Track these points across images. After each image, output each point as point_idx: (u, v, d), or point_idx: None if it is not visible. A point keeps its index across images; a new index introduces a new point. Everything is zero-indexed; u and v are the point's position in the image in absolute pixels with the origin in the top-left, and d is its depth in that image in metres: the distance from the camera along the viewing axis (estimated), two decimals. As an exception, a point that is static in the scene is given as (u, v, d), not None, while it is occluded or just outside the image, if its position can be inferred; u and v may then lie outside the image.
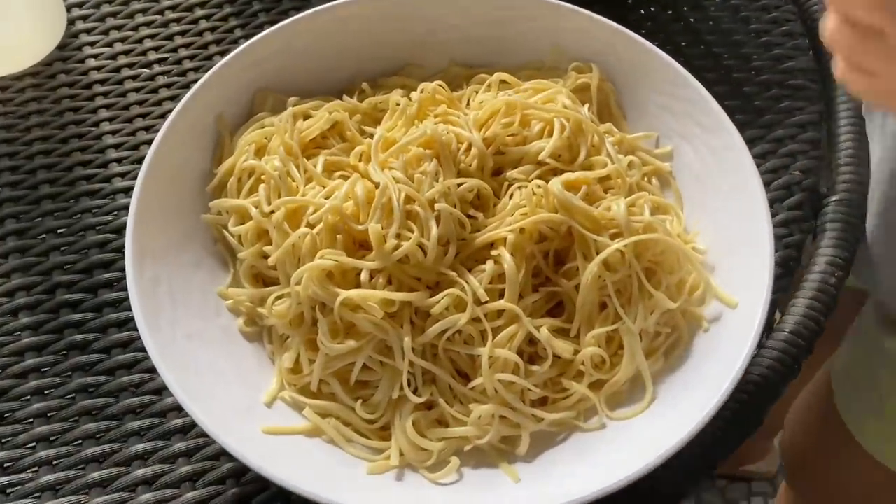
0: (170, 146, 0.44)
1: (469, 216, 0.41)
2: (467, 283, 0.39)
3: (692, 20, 0.58)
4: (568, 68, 0.49)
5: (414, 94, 0.45)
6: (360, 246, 0.41)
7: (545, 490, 0.36)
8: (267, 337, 0.42)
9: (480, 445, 0.38)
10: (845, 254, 0.47)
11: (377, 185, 0.41)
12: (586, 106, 0.46)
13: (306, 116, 0.46)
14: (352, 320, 0.38)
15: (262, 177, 0.43)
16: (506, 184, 0.43)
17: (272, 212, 0.42)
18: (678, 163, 0.47)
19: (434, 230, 0.39)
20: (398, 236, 0.39)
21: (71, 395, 0.44)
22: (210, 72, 0.46)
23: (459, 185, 0.41)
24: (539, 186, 0.41)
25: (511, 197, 0.42)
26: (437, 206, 0.39)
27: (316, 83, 0.49)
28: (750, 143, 0.46)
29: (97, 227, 0.49)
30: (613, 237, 0.40)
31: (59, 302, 0.46)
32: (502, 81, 0.47)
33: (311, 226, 0.40)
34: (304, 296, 0.39)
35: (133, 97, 0.55)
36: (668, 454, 0.35)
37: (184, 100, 0.45)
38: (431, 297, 0.39)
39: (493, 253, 0.40)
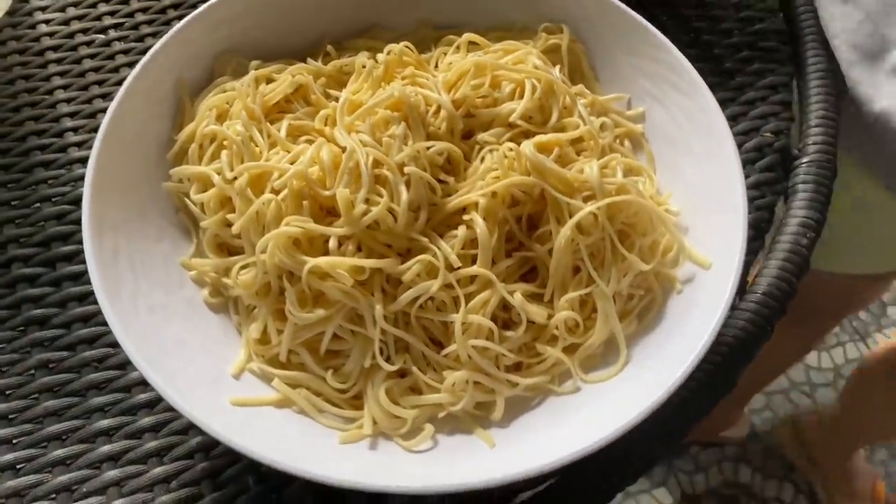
0: (127, 112, 0.42)
1: (440, 181, 0.40)
2: (439, 248, 0.38)
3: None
4: (538, 29, 0.48)
5: (380, 56, 0.44)
6: (327, 212, 0.39)
7: (521, 454, 0.35)
8: (233, 308, 0.41)
9: (455, 412, 0.38)
10: (817, 215, 0.47)
11: (344, 150, 0.39)
12: (557, 67, 0.45)
13: (269, 80, 0.45)
14: (321, 289, 0.37)
15: (225, 142, 0.42)
16: (477, 147, 0.42)
17: (235, 178, 0.40)
18: (651, 124, 0.46)
19: (404, 195, 0.38)
20: (367, 201, 0.38)
21: (30, 372, 0.42)
22: (168, 34, 0.44)
23: (429, 148, 0.40)
24: (511, 149, 0.40)
25: (482, 160, 0.41)
26: (406, 169, 0.38)
27: (278, 46, 0.47)
28: (721, 105, 0.45)
29: (53, 199, 0.47)
30: (586, 200, 0.40)
31: (15, 276, 0.45)
32: (471, 42, 0.46)
33: (276, 192, 0.39)
34: (270, 264, 0.38)
35: (88, 64, 0.53)
36: (642, 416, 0.34)
37: (141, 63, 0.43)
38: (403, 263, 0.38)
39: (465, 218, 0.39)
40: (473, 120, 0.42)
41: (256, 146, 0.41)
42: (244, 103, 0.42)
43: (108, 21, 0.55)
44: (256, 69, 0.45)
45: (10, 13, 0.55)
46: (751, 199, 0.48)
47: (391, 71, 0.44)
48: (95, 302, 0.43)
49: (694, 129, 0.44)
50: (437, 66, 0.46)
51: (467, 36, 0.46)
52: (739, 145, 0.50)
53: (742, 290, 0.44)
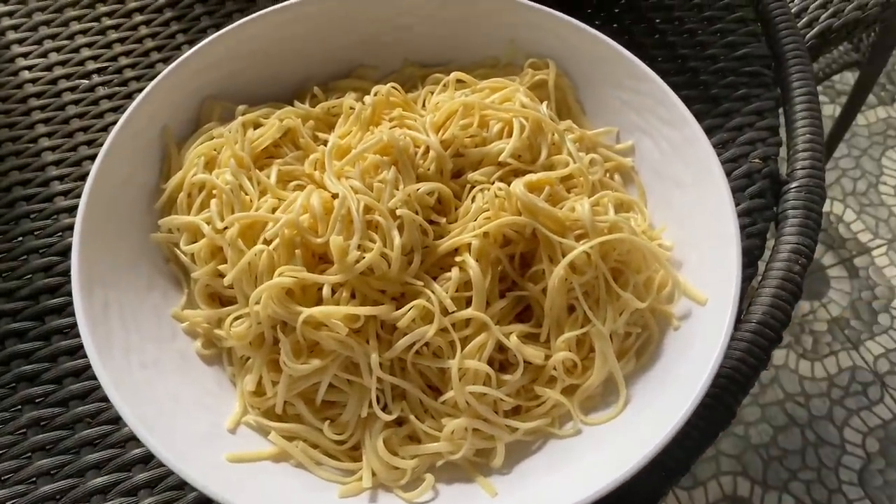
0: (114, 161, 0.42)
1: (431, 222, 0.40)
2: (433, 292, 0.38)
3: (644, 9, 0.58)
4: (524, 65, 0.48)
5: (367, 98, 0.44)
6: (319, 259, 0.39)
7: (525, 502, 0.35)
8: (227, 359, 0.41)
9: (455, 460, 0.37)
10: (808, 241, 0.47)
11: (334, 196, 0.39)
12: (544, 103, 0.45)
13: (256, 125, 0.44)
14: (315, 338, 0.37)
15: (214, 191, 0.41)
16: (467, 186, 0.42)
17: (226, 228, 0.40)
18: (640, 157, 0.46)
19: (397, 239, 0.38)
20: (360, 248, 0.38)
21: (22, 431, 0.41)
22: (154, 81, 0.44)
23: (419, 189, 0.40)
24: (501, 189, 0.40)
25: (473, 200, 0.41)
26: (398, 212, 0.38)
27: (265, 89, 0.47)
28: (708, 132, 0.46)
29: (41, 251, 0.47)
30: (579, 238, 0.39)
31: (3, 332, 0.44)
32: (458, 81, 0.46)
33: (268, 241, 0.39)
34: (263, 315, 0.37)
35: (72, 110, 0.53)
36: (645, 460, 0.34)
37: (127, 112, 0.42)
38: (397, 309, 0.38)
39: (458, 259, 0.39)
40: (463, 160, 0.42)
41: (246, 194, 0.41)
42: (233, 150, 0.42)
43: (91, 66, 0.54)
44: (243, 114, 0.44)
45: (-9, 60, 0.54)
46: (742, 227, 0.48)
47: (379, 112, 0.44)
48: (87, 355, 0.43)
49: (683, 160, 0.44)
50: (424, 105, 0.46)
51: (455, 74, 0.46)
52: (729, 172, 0.50)
53: (738, 318, 0.44)
